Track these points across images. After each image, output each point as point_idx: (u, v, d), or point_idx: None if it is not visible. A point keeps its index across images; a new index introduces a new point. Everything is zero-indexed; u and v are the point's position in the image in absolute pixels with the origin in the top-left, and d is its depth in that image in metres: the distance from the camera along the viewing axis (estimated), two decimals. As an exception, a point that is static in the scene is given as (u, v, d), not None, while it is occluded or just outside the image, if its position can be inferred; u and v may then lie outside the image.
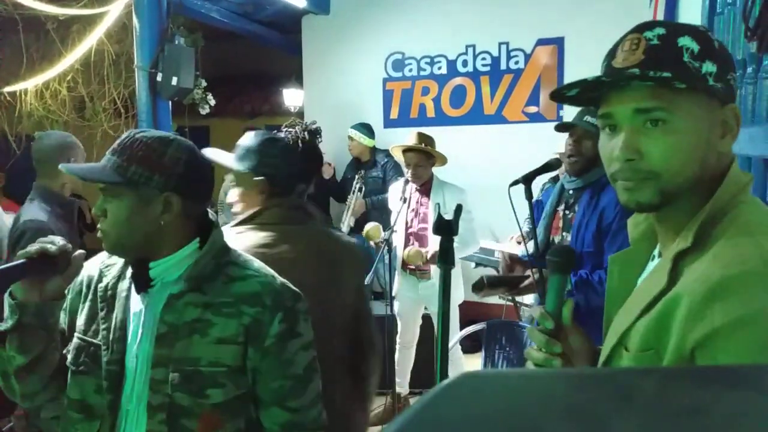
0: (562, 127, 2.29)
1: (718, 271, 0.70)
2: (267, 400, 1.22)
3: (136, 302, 1.22)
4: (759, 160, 1.70)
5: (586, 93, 0.84)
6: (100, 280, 1.26)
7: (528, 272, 2.15)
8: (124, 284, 1.23)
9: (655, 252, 0.90)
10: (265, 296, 1.20)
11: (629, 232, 0.97)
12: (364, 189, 4.46)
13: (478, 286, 2.12)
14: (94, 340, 1.22)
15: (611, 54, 0.83)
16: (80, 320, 1.25)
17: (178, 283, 1.19)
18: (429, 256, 3.27)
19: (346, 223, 4.27)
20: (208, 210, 1.29)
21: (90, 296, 1.26)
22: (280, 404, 1.22)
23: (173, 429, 1.14)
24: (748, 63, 1.85)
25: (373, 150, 4.80)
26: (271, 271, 1.28)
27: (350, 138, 4.79)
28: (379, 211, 4.24)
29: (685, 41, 0.76)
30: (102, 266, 1.27)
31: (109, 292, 1.24)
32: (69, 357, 1.23)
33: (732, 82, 0.79)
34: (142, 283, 1.20)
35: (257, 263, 1.28)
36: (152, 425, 1.15)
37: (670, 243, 0.82)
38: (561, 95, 0.85)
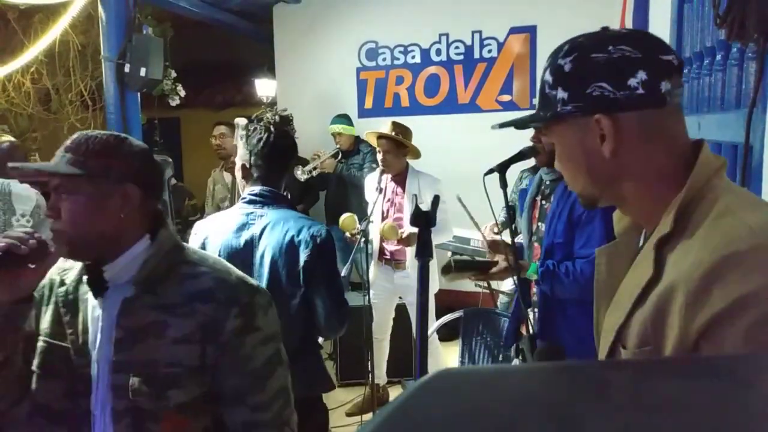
0: (520, 126, 2.29)
1: (710, 255, 0.70)
2: (227, 397, 1.19)
3: (95, 306, 1.20)
4: (728, 146, 1.73)
5: None
6: (60, 284, 1.24)
7: (497, 258, 2.14)
8: (84, 288, 1.21)
9: (642, 239, 0.91)
10: (219, 292, 1.18)
11: (614, 225, 0.99)
12: (340, 155, 4.61)
13: (447, 269, 2.11)
14: (63, 344, 1.19)
15: None
16: (44, 323, 1.22)
17: (130, 286, 1.17)
18: (404, 236, 3.27)
19: (309, 167, 4.43)
20: (160, 207, 1.28)
21: (52, 299, 1.23)
22: (240, 401, 1.19)
23: None
24: (717, 50, 1.88)
25: (357, 139, 4.76)
26: (227, 266, 1.25)
27: (337, 134, 4.70)
28: (357, 199, 4.24)
29: (546, 75, 0.88)
30: (60, 271, 1.24)
31: (71, 297, 1.22)
32: (35, 361, 1.20)
33: (598, 92, 0.81)
34: (98, 287, 1.18)
35: (212, 259, 1.26)
36: (119, 430, 1.14)
37: (649, 230, 0.85)
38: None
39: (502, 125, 0.99)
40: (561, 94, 0.84)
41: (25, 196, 2.75)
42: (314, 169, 4.47)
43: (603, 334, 0.86)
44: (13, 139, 3.01)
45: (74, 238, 1.12)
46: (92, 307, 1.20)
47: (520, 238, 2.36)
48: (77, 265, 1.23)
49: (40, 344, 1.21)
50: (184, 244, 1.28)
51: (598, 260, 0.99)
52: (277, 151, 1.86)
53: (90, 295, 1.20)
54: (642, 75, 0.80)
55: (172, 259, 1.21)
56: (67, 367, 1.18)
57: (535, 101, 1.01)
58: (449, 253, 4.07)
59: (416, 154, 3.47)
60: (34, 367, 1.20)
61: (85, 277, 1.20)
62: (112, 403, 1.15)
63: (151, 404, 1.13)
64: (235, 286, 1.20)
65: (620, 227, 0.97)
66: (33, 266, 1.08)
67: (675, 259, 0.76)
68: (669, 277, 0.75)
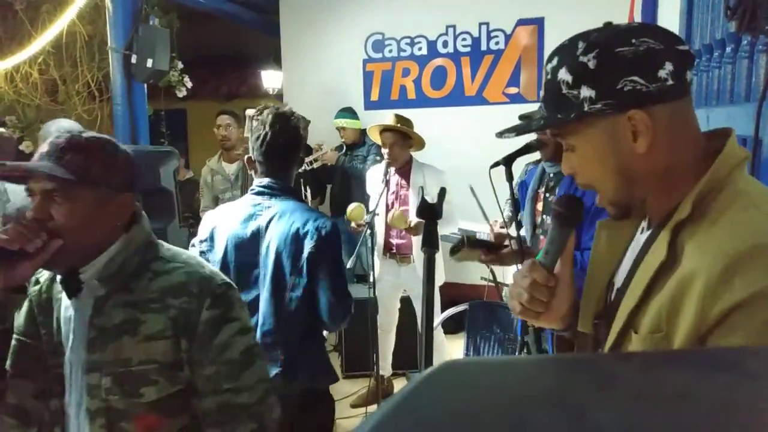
0: (525, 118, 2.29)
1: (734, 245, 0.70)
2: (203, 389, 1.16)
3: (67, 306, 1.18)
4: (738, 139, 1.72)
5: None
6: (35, 283, 1.23)
7: (507, 242, 2.14)
8: (57, 287, 1.20)
9: (644, 224, 0.90)
10: (191, 285, 1.16)
11: None
12: (345, 149, 4.59)
13: (456, 249, 2.09)
14: (35, 343, 1.18)
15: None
16: (18, 319, 1.21)
17: (102, 284, 1.15)
18: (412, 224, 3.27)
19: (309, 158, 4.41)
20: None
21: (28, 297, 1.22)
22: (214, 390, 1.16)
23: None
24: (727, 42, 1.86)
25: (363, 132, 4.73)
26: (200, 260, 1.24)
27: (342, 128, 4.66)
28: (361, 192, 4.23)
29: (562, 74, 0.82)
30: None
31: (44, 296, 1.21)
32: (8, 359, 1.19)
33: (621, 93, 0.79)
34: (73, 288, 1.16)
35: (186, 254, 1.24)
36: (94, 430, 1.13)
37: (661, 215, 0.84)
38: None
39: (517, 131, 0.92)
40: (587, 92, 0.80)
41: None
42: (315, 161, 4.45)
43: (615, 321, 0.85)
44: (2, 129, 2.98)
45: (69, 243, 1.09)
46: (65, 307, 1.18)
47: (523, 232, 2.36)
48: None
49: (13, 343, 1.19)
50: (160, 241, 1.25)
51: (599, 232, 0.98)
52: (276, 148, 1.85)
53: (63, 295, 1.18)
54: (669, 66, 0.78)
55: (144, 255, 1.18)
56: (39, 367, 1.17)
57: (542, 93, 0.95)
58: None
59: (421, 145, 3.46)
60: (6, 366, 1.18)
61: (59, 277, 1.18)
62: (86, 404, 1.14)
63: (124, 403, 1.12)
64: (208, 278, 1.19)
65: None
66: (28, 258, 1.07)
67: (694, 246, 0.76)
68: (689, 264, 0.74)
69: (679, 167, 0.82)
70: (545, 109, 0.88)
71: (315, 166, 4.45)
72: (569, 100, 0.82)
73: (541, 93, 0.88)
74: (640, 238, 0.90)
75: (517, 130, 0.92)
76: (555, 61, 0.84)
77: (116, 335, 1.13)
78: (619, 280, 0.91)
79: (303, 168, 4.27)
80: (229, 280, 1.23)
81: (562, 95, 0.83)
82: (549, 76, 0.85)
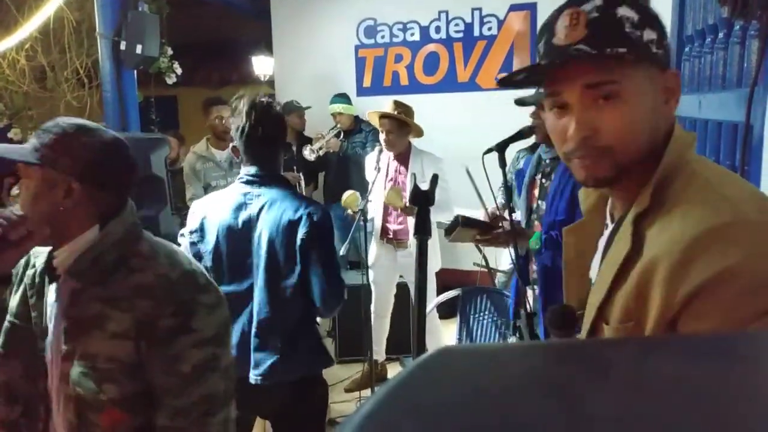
0: (521, 102, 2.28)
1: (691, 229, 0.70)
2: (155, 397, 1.16)
3: (51, 293, 1.21)
4: (729, 125, 1.72)
5: (534, 75, 0.84)
6: (31, 266, 1.26)
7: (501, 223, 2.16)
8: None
9: (607, 220, 0.90)
10: (157, 289, 1.14)
11: (581, 203, 0.97)
12: (342, 135, 4.57)
13: (452, 227, 2.11)
14: (26, 325, 1.21)
15: (549, 30, 0.81)
16: (13, 302, 1.25)
17: (76, 278, 1.16)
18: (407, 204, 3.26)
19: (316, 146, 4.41)
20: (129, 198, 1.24)
21: (24, 280, 1.26)
22: (162, 402, 1.15)
23: (82, 421, 1.15)
24: (720, 28, 1.86)
25: (357, 118, 4.69)
26: (176, 260, 1.20)
27: (338, 113, 4.60)
28: (359, 178, 4.21)
29: (623, 11, 0.76)
30: (33, 252, 1.26)
31: (37, 280, 1.23)
32: None
33: (668, 48, 0.79)
34: (51, 273, 1.19)
35: (165, 251, 1.22)
36: (68, 416, 1.16)
37: (626, 207, 0.83)
38: (509, 80, 0.85)
39: (554, 62, 0.80)
40: (650, 35, 0.76)
41: None
42: (320, 148, 4.44)
43: (586, 312, 0.86)
44: None
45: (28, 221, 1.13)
46: (50, 293, 1.21)
47: (517, 216, 2.37)
48: (46, 249, 1.24)
49: (5, 324, 1.23)
50: (147, 233, 1.25)
51: (566, 239, 0.98)
52: (257, 140, 1.83)
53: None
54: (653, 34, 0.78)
55: (123, 250, 1.18)
56: (28, 349, 1.20)
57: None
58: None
59: (419, 133, 3.46)
60: None
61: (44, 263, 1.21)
62: (63, 390, 1.16)
63: (91, 396, 1.13)
64: (175, 283, 1.16)
65: (587, 205, 0.96)
66: (12, 246, 1.09)
67: (654, 234, 0.76)
68: (650, 252, 0.74)
69: (652, 148, 0.80)
70: (587, 46, 0.75)
71: (320, 154, 4.42)
72: (632, 39, 0.75)
73: (573, 34, 0.76)
74: (606, 233, 0.90)
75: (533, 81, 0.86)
76: (600, 1, 0.76)
77: (88, 328, 1.15)
78: (593, 276, 0.91)
79: (313, 157, 4.29)
80: (204, 282, 1.21)
81: (624, 33, 0.75)
82: (598, 14, 0.75)
